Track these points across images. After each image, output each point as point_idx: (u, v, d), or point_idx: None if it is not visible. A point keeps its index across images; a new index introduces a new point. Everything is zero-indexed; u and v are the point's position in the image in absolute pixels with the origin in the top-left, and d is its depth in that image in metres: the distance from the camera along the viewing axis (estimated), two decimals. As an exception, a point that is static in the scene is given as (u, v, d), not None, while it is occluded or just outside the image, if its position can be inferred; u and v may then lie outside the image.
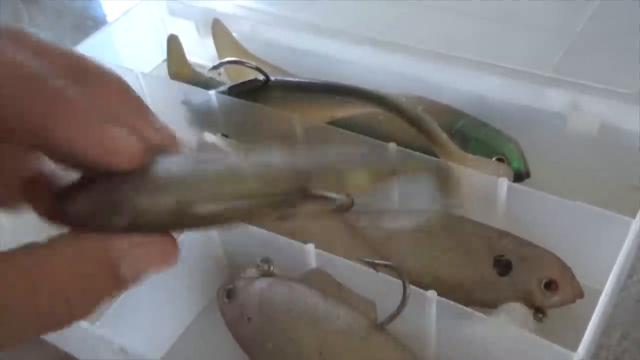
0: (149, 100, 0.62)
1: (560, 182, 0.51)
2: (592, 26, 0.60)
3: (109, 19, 0.85)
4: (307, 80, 0.56)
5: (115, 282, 0.22)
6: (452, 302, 0.40)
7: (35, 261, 0.21)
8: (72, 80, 0.22)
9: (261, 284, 0.43)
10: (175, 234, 0.23)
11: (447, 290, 0.41)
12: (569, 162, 0.54)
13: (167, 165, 0.23)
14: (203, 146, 0.23)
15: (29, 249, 0.21)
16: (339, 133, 0.51)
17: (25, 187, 0.24)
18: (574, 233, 0.45)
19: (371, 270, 0.41)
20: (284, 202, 0.23)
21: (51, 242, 0.21)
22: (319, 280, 0.42)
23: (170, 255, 0.23)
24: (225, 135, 0.57)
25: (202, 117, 0.59)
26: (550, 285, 0.43)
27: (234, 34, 0.67)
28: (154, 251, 0.23)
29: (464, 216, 0.47)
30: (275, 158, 0.23)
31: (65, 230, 0.23)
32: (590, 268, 0.44)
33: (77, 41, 0.66)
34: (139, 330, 0.44)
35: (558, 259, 0.44)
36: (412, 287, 0.39)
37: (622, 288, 0.48)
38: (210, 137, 0.23)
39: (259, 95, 0.56)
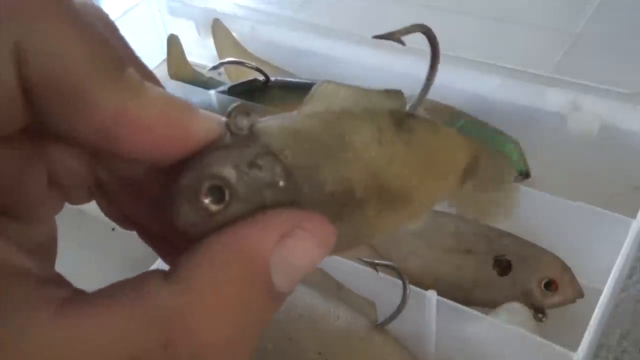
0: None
1: (560, 182, 0.51)
2: (592, 26, 0.60)
3: (109, 19, 0.85)
4: (307, 80, 0.56)
5: (270, 299, 0.16)
6: (452, 302, 0.40)
7: (161, 305, 0.15)
8: None
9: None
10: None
11: (447, 290, 0.41)
12: (569, 162, 0.54)
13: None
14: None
15: (151, 279, 0.15)
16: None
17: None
18: (574, 233, 0.45)
19: (371, 270, 0.41)
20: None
21: (184, 270, 0.15)
22: (318, 280, 0.42)
23: (329, 237, 0.17)
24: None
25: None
26: (550, 285, 0.43)
27: (234, 34, 0.67)
28: (309, 237, 0.17)
29: (464, 216, 0.47)
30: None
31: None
32: (590, 268, 0.44)
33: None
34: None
35: (558, 259, 0.44)
36: (412, 287, 0.39)
37: (622, 288, 0.48)
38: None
39: (259, 95, 0.56)
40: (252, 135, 0.18)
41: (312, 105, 0.19)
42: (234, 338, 0.15)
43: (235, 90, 0.57)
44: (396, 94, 0.21)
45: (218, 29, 0.67)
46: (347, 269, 0.43)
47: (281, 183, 0.17)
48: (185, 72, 0.65)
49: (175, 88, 0.60)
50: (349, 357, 0.39)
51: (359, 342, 0.39)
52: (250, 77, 0.57)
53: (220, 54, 0.66)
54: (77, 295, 0.15)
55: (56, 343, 0.14)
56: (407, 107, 0.22)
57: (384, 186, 0.19)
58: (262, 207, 0.17)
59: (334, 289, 0.42)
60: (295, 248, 0.16)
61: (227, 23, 0.67)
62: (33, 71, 0.15)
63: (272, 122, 0.18)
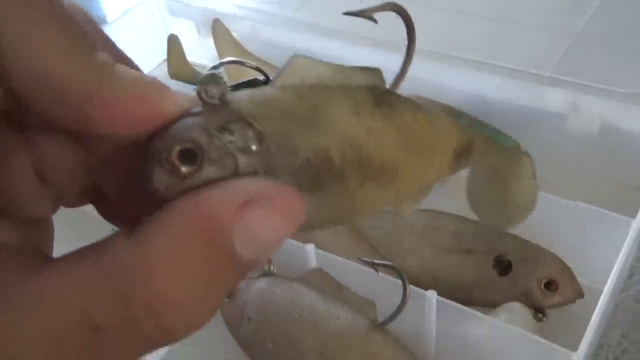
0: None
1: (560, 182, 0.51)
2: (592, 26, 0.60)
3: (109, 19, 0.85)
4: (307, 80, 0.56)
5: (232, 266, 0.16)
6: (452, 302, 0.40)
7: (120, 258, 0.15)
8: None
9: (261, 284, 0.43)
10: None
11: (447, 290, 0.41)
12: (569, 162, 0.54)
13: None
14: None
15: (110, 243, 0.16)
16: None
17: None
18: (574, 233, 0.45)
19: (371, 270, 0.41)
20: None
21: (140, 230, 0.15)
22: (319, 280, 0.42)
23: (297, 209, 0.17)
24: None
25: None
26: (550, 285, 0.43)
27: (234, 34, 0.67)
28: (275, 208, 0.16)
29: (464, 216, 0.47)
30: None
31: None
32: (590, 268, 0.44)
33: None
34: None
35: (558, 259, 0.44)
36: (412, 287, 0.39)
37: (622, 288, 0.48)
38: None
39: (259, 95, 0.56)
40: (223, 103, 0.18)
41: (284, 78, 0.20)
42: (191, 296, 0.15)
43: (235, 90, 0.57)
44: (374, 71, 0.21)
45: (218, 29, 0.67)
46: (347, 269, 0.43)
47: (254, 147, 0.17)
48: (185, 72, 0.65)
49: (175, 88, 0.60)
50: (349, 357, 0.39)
51: (359, 342, 0.39)
52: (250, 77, 0.57)
53: (220, 54, 0.66)
54: (50, 261, 0.16)
55: (22, 303, 0.15)
56: (388, 85, 0.22)
57: (364, 158, 0.19)
58: (235, 174, 0.17)
59: (334, 289, 0.42)
60: (259, 217, 0.16)
61: (227, 23, 0.67)
62: (3, 52, 0.15)
63: (243, 93, 0.19)
